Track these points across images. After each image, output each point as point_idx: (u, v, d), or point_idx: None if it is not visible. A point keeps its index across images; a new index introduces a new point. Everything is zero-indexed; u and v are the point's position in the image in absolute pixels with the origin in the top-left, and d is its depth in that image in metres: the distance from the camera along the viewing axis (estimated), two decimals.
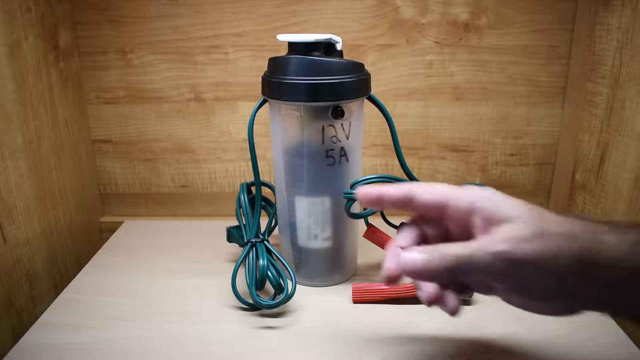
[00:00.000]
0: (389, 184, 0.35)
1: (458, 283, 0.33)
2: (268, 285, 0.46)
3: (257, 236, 0.48)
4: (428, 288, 0.33)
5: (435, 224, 0.34)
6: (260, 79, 0.46)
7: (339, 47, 0.45)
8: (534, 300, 0.31)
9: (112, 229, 0.63)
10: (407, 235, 0.34)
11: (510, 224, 0.30)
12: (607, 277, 0.29)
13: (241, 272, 0.46)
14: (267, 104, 0.47)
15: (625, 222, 0.31)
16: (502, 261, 0.29)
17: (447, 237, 0.33)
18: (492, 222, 0.30)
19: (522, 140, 0.63)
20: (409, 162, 0.54)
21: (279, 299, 0.44)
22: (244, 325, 0.44)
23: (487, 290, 0.33)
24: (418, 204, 0.33)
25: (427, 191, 0.33)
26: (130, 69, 0.61)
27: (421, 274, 0.30)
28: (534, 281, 0.29)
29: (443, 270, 0.30)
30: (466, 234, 0.31)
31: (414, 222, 0.35)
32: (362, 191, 0.35)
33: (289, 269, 0.47)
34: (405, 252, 0.31)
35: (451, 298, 0.32)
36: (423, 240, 0.34)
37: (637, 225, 0.30)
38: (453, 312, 0.32)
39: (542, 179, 0.65)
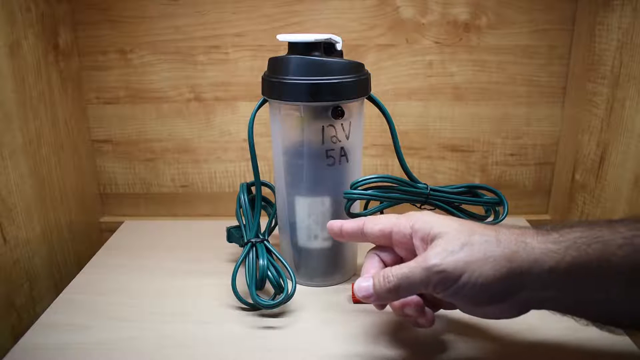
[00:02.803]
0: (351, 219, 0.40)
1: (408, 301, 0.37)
2: (268, 285, 0.46)
3: (257, 236, 0.48)
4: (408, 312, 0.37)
5: (389, 251, 0.39)
6: (260, 79, 0.46)
7: (339, 47, 0.45)
8: (481, 306, 0.34)
9: (112, 229, 0.63)
10: (373, 263, 0.38)
11: (441, 239, 0.33)
12: (534, 275, 0.31)
13: (241, 272, 0.46)
14: (267, 104, 0.47)
15: (553, 225, 0.34)
16: (436, 274, 0.32)
17: (401, 262, 0.36)
18: (427, 240, 0.34)
19: (522, 140, 0.63)
20: (409, 162, 0.54)
21: (279, 299, 0.44)
22: (244, 325, 0.44)
23: (448, 305, 0.37)
24: (368, 234, 0.38)
25: (374, 223, 0.38)
26: (130, 69, 0.61)
27: (372, 298, 0.35)
28: (471, 288, 0.31)
29: (387, 291, 0.34)
30: (413, 257, 0.34)
31: (374, 251, 0.39)
32: (328, 225, 0.41)
33: (289, 269, 0.47)
34: (357, 280, 0.36)
35: (427, 315, 0.37)
36: (385, 266, 0.38)
37: (563, 225, 0.33)
38: (424, 325, 0.37)
39: (542, 179, 0.65)
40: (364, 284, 0.35)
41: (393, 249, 0.38)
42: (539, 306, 0.33)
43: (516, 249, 0.31)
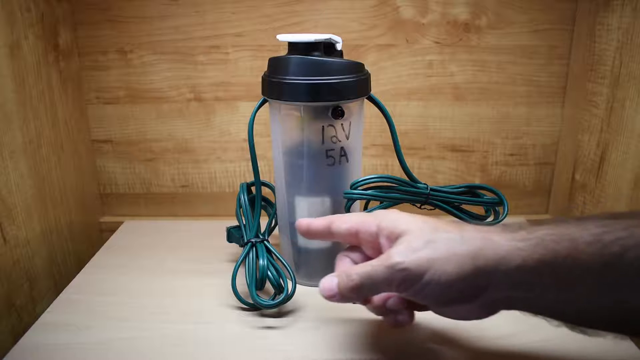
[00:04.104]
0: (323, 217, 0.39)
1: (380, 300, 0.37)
2: (268, 285, 0.46)
3: (257, 236, 0.48)
4: (376, 302, 0.37)
5: (359, 252, 0.38)
6: (260, 79, 0.46)
7: (339, 47, 0.45)
8: (447, 306, 0.33)
9: (112, 229, 0.63)
10: (343, 264, 0.38)
11: (405, 236, 0.33)
12: (501, 274, 0.30)
13: (241, 272, 0.46)
14: (267, 104, 0.47)
15: (521, 222, 0.33)
16: (399, 272, 0.31)
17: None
18: (392, 238, 0.34)
19: (522, 140, 0.63)
20: (409, 162, 0.54)
21: (279, 299, 0.44)
22: (244, 325, 0.44)
23: (420, 306, 0.36)
24: (336, 233, 0.37)
25: (342, 221, 0.37)
26: (130, 69, 0.61)
27: (336, 297, 0.34)
28: (435, 286, 0.31)
29: (350, 289, 0.33)
30: (379, 256, 0.34)
31: (345, 252, 0.39)
32: (297, 223, 0.40)
33: (289, 269, 0.47)
34: (322, 279, 0.35)
35: (402, 314, 0.36)
36: None
37: (532, 223, 0.32)
38: (398, 325, 0.37)
39: (542, 179, 0.65)
40: (328, 283, 0.34)
41: (360, 249, 0.38)
42: (508, 306, 0.32)
43: (481, 247, 0.31)
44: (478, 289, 0.31)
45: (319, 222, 0.38)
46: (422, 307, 0.36)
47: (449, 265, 0.30)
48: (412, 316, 0.37)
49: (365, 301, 0.37)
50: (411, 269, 0.31)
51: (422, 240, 0.32)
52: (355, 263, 0.37)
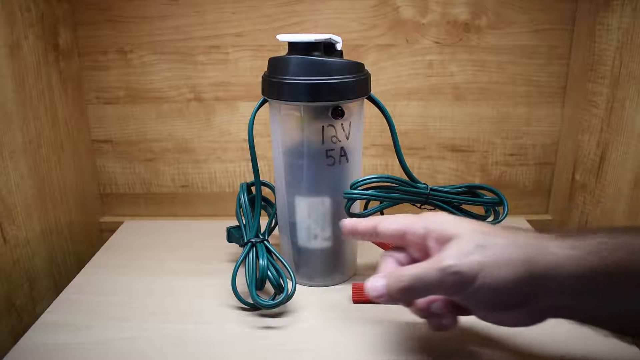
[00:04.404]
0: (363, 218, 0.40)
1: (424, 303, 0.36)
2: (268, 285, 0.46)
3: (257, 236, 0.48)
4: (419, 305, 0.36)
5: (405, 253, 0.38)
6: (260, 79, 0.46)
7: (339, 47, 0.45)
8: (495, 311, 0.33)
9: (112, 229, 0.63)
10: (388, 264, 0.38)
11: (456, 240, 0.32)
12: (553, 280, 0.30)
13: (241, 272, 0.46)
14: (267, 104, 0.47)
15: (570, 230, 0.33)
16: (450, 275, 0.31)
17: (415, 263, 0.35)
18: (442, 241, 0.33)
19: (522, 140, 0.63)
20: (409, 162, 0.54)
21: (279, 299, 0.44)
22: (244, 325, 0.44)
23: (462, 311, 0.36)
24: (382, 234, 0.38)
25: (389, 222, 0.37)
26: (130, 69, 0.61)
27: (384, 297, 0.34)
28: (487, 290, 0.31)
29: (400, 291, 0.33)
30: (426, 258, 0.34)
31: (390, 252, 0.38)
32: (342, 223, 0.40)
33: (289, 269, 0.47)
34: (369, 279, 0.35)
35: (446, 318, 0.36)
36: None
37: (584, 231, 0.32)
38: (442, 329, 0.36)
39: (542, 179, 0.65)
40: (378, 283, 0.34)
41: (406, 250, 0.38)
42: (556, 314, 0.32)
43: (533, 252, 0.31)
44: (528, 294, 0.31)
45: (365, 223, 0.39)
46: (465, 312, 0.36)
47: (501, 270, 0.30)
48: (456, 320, 0.36)
49: (409, 303, 0.37)
50: (463, 272, 0.31)
51: (474, 244, 0.32)
52: (401, 263, 0.37)
